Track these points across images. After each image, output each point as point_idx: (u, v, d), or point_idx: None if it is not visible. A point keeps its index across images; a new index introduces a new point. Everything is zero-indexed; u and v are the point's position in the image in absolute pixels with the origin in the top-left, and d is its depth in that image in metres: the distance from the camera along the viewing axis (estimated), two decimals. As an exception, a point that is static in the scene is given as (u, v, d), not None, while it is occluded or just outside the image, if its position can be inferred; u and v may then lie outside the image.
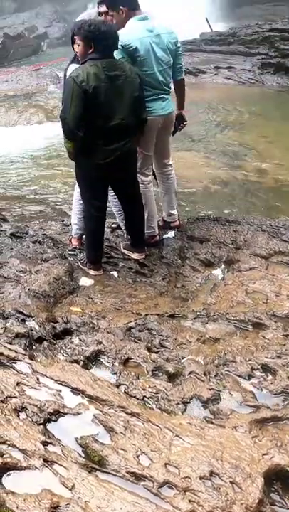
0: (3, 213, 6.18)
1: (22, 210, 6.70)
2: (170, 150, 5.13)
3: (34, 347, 3.31)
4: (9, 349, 3.19)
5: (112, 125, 4.06)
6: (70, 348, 3.31)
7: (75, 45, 4.20)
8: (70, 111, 3.97)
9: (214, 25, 18.91)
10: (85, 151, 4.14)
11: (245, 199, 6.86)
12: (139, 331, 3.54)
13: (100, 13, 4.67)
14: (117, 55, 4.26)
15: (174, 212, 5.26)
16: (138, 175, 4.71)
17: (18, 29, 23.54)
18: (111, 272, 4.52)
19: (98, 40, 3.99)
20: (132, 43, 4.34)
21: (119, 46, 4.24)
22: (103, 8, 4.62)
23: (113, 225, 5.25)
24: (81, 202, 4.66)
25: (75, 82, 3.91)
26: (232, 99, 12.17)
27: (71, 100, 3.95)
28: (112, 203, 4.80)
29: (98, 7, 4.70)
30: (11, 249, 4.91)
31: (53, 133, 9.73)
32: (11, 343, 3.29)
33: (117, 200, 4.71)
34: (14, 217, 6.27)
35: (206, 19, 18.12)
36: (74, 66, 4.38)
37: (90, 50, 4.04)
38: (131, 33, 4.38)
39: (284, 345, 3.33)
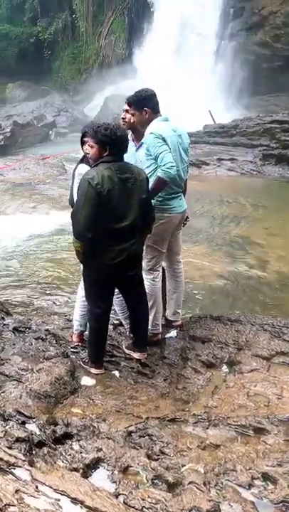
0: (7, 306, 6.30)
1: (25, 301, 6.85)
2: (181, 246, 5.31)
3: (34, 452, 3.34)
4: (9, 454, 3.22)
5: (122, 226, 4.20)
6: (70, 454, 3.34)
7: (88, 147, 4.40)
8: (82, 212, 4.11)
9: (217, 117, 19.77)
10: (94, 251, 4.24)
11: (247, 294, 6.98)
12: (140, 436, 3.57)
13: (125, 110, 4.96)
14: (154, 143, 4.54)
15: (180, 311, 5.33)
16: (150, 271, 4.88)
17: (27, 117, 24.66)
18: (112, 372, 4.57)
19: (113, 145, 4.18)
20: (166, 138, 4.61)
21: (158, 135, 4.54)
22: (130, 110, 4.90)
23: (115, 322, 5.32)
24: (84, 299, 4.78)
25: (90, 184, 4.06)
26: (235, 191, 12.59)
27: (84, 202, 4.09)
28: (115, 301, 4.89)
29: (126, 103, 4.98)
30: (14, 345, 4.99)
31: (57, 223, 10.03)
32: (10, 448, 3.32)
33: (120, 298, 4.82)
34: (17, 310, 6.39)
35: (209, 112, 18.99)
36: (83, 167, 4.59)
37: (105, 153, 4.23)
38: (163, 130, 4.65)
39: (285, 452, 3.36)
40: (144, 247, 4.66)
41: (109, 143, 4.19)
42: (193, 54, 25.29)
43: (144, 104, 4.80)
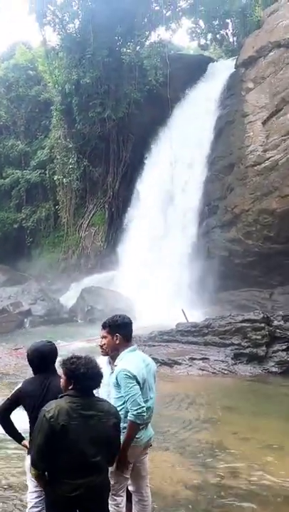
0: None
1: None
2: (148, 470, 5.40)
3: None
4: None
5: (82, 461, 4.16)
6: None
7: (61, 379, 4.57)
8: (35, 442, 4.21)
9: (190, 312, 20.57)
10: (52, 481, 4.24)
11: (217, 509, 6.84)
12: None
13: (102, 337, 5.36)
14: (125, 382, 4.79)
15: None
16: (113, 497, 4.88)
17: (4, 303, 25.38)
18: None
19: (77, 380, 4.30)
20: (138, 375, 4.92)
21: (130, 375, 4.82)
22: (103, 333, 5.31)
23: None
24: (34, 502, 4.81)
25: (44, 416, 4.14)
26: (205, 391, 12.79)
27: (38, 433, 4.18)
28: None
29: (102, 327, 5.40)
30: None
31: (25, 419, 10.01)
32: None
33: None
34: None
35: (182, 310, 19.78)
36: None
37: (70, 387, 4.35)
38: (135, 365, 4.98)
39: None
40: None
41: (74, 378, 4.32)
42: (169, 252, 26.93)
43: (117, 330, 5.20)
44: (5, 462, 8.40)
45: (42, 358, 5.21)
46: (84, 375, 4.29)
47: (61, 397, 4.37)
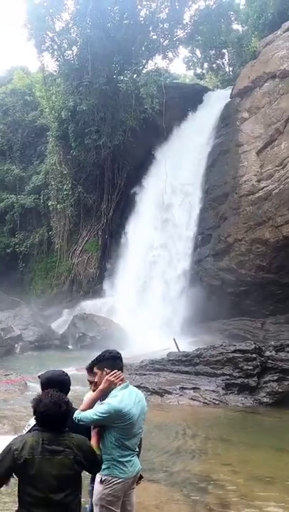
0: None
1: None
2: (134, 505, 5.40)
3: None
4: None
5: (47, 497, 4.11)
6: None
7: None
8: None
9: (181, 341, 20.59)
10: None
11: None
12: None
13: (89, 381, 5.46)
14: (102, 408, 4.87)
15: None
16: None
17: (-5, 328, 25.22)
18: None
19: (37, 417, 4.32)
20: (128, 412, 4.99)
21: (113, 410, 4.90)
22: (91, 378, 5.41)
23: None
24: None
25: (10, 448, 4.14)
26: (196, 422, 12.76)
27: (1, 460, 4.17)
28: None
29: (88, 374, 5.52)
30: None
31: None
32: None
33: None
34: None
35: (174, 339, 19.80)
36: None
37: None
38: (125, 402, 5.04)
39: None
40: (98, 507, 4.81)
41: (35, 414, 4.35)
42: (161, 280, 27.03)
43: (105, 364, 5.29)
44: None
45: (52, 387, 5.28)
46: (42, 414, 4.29)
47: (30, 430, 4.45)
